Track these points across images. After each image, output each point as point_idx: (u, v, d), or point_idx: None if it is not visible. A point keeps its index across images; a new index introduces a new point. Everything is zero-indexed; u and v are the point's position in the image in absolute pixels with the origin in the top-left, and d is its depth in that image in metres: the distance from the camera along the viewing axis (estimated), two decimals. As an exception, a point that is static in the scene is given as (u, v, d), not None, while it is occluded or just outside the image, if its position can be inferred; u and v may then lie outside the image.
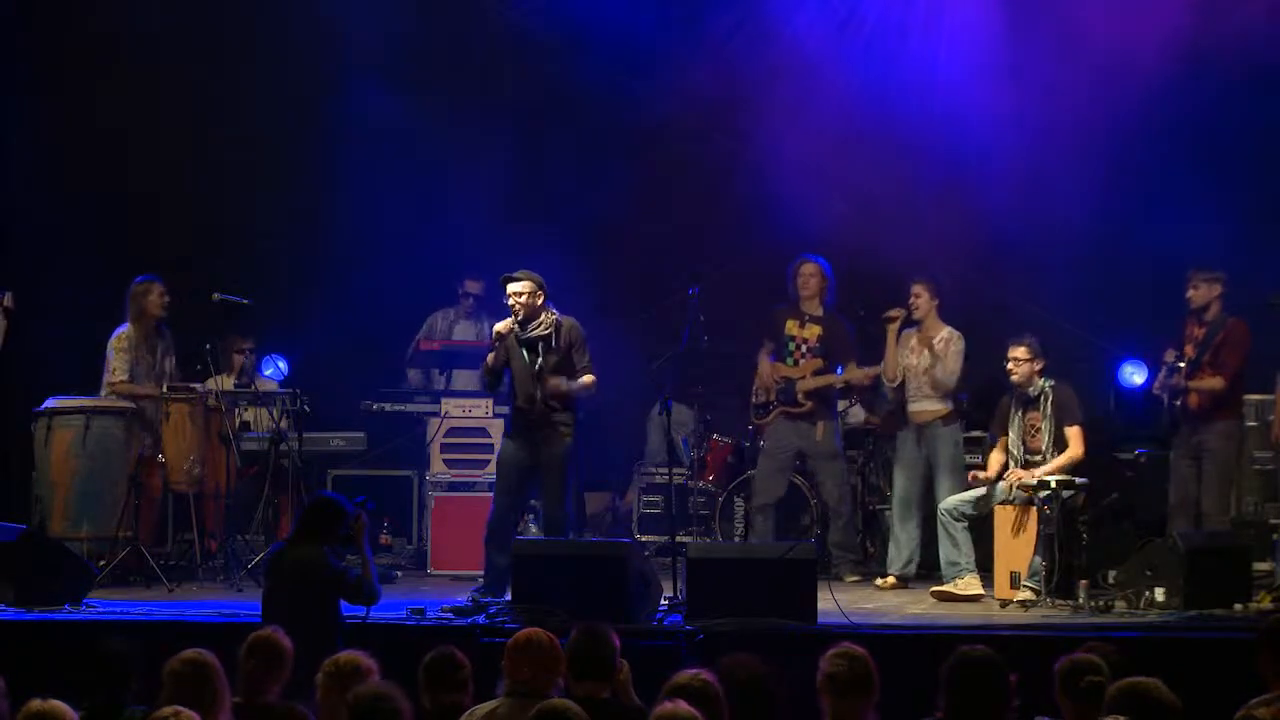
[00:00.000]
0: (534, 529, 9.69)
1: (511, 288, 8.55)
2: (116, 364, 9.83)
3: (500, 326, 8.55)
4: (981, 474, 9.22)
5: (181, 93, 11.28)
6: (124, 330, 9.91)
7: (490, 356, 8.63)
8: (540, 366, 8.59)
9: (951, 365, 9.61)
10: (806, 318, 10.11)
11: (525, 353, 8.60)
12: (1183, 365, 9.13)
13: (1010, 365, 9.14)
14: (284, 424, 10.07)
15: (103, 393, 9.86)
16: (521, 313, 8.53)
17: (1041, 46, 10.71)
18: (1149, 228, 10.45)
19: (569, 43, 11.38)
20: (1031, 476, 8.88)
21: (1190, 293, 9.24)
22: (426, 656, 5.28)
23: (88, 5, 11.50)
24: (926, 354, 9.68)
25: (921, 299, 9.68)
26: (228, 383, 10.30)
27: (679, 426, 11.13)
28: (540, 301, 8.59)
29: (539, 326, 8.58)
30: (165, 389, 9.77)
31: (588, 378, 8.62)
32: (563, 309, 8.77)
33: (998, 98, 10.74)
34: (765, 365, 10.17)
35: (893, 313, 9.70)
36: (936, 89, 11.22)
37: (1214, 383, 9.13)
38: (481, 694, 5.26)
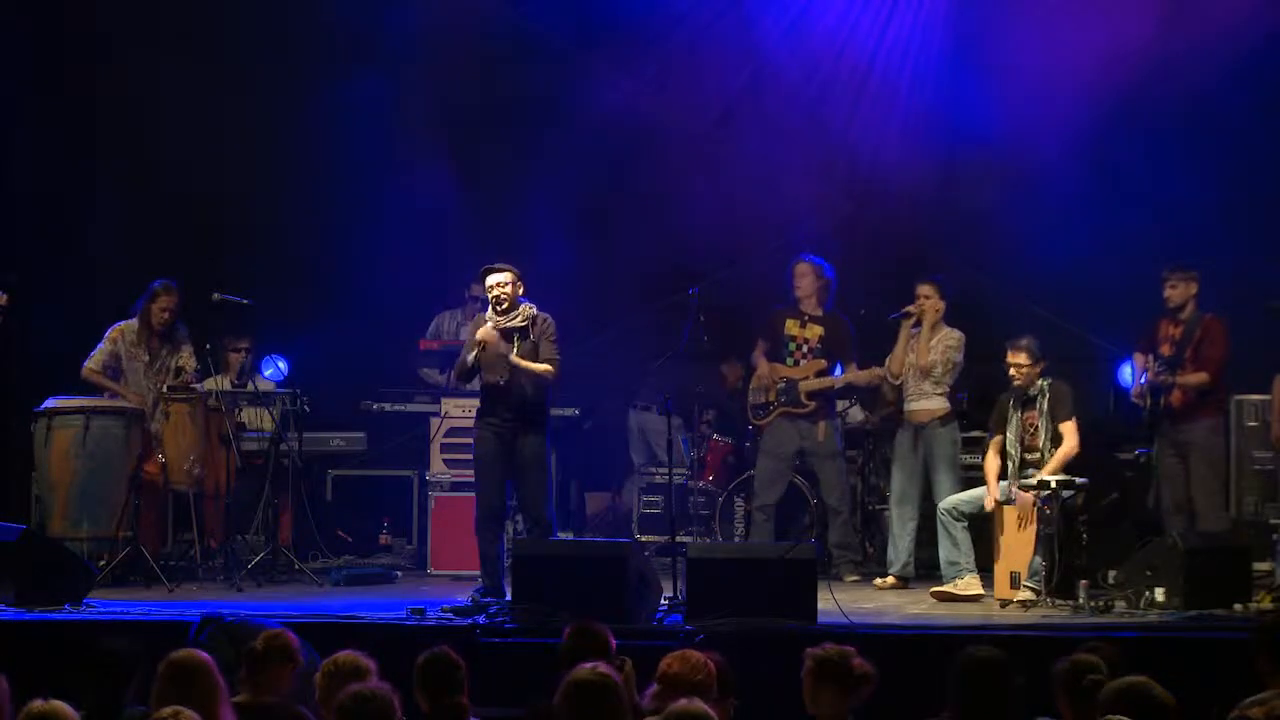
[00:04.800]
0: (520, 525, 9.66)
1: (493, 279, 8.68)
2: (94, 351, 9.90)
3: (482, 334, 8.59)
4: (989, 499, 9.15)
5: (182, 92, 11.27)
6: (123, 324, 9.95)
7: (470, 356, 8.66)
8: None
9: (935, 356, 9.57)
10: (807, 318, 10.10)
11: (500, 342, 8.64)
12: (1163, 366, 9.14)
13: (1013, 372, 9.12)
14: (277, 416, 10.05)
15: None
16: (505, 303, 8.63)
17: (1038, 43, 10.70)
18: (1149, 227, 10.46)
19: (568, 42, 11.41)
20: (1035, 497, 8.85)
21: (1169, 292, 9.25)
22: (420, 658, 5.26)
23: (88, 3, 11.51)
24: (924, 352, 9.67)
25: (931, 300, 9.65)
26: (225, 383, 10.31)
27: (657, 435, 11.15)
28: (520, 292, 8.70)
29: (516, 318, 8.68)
30: (166, 387, 9.77)
31: (545, 366, 8.67)
32: (562, 309, 8.83)
33: (996, 97, 10.75)
34: (764, 366, 10.15)
35: (910, 308, 9.66)
36: (934, 89, 11.23)
37: (1200, 377, 9.14)
38: (478, 694, 5.25)
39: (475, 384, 9.04)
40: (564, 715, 4.52)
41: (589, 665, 4.67)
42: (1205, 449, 9.25)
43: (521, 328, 8.68)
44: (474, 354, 8.64)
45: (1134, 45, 10.45)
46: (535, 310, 8.72)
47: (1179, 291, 9.23)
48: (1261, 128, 10.49)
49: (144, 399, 9.80)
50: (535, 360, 8.67)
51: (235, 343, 10.57)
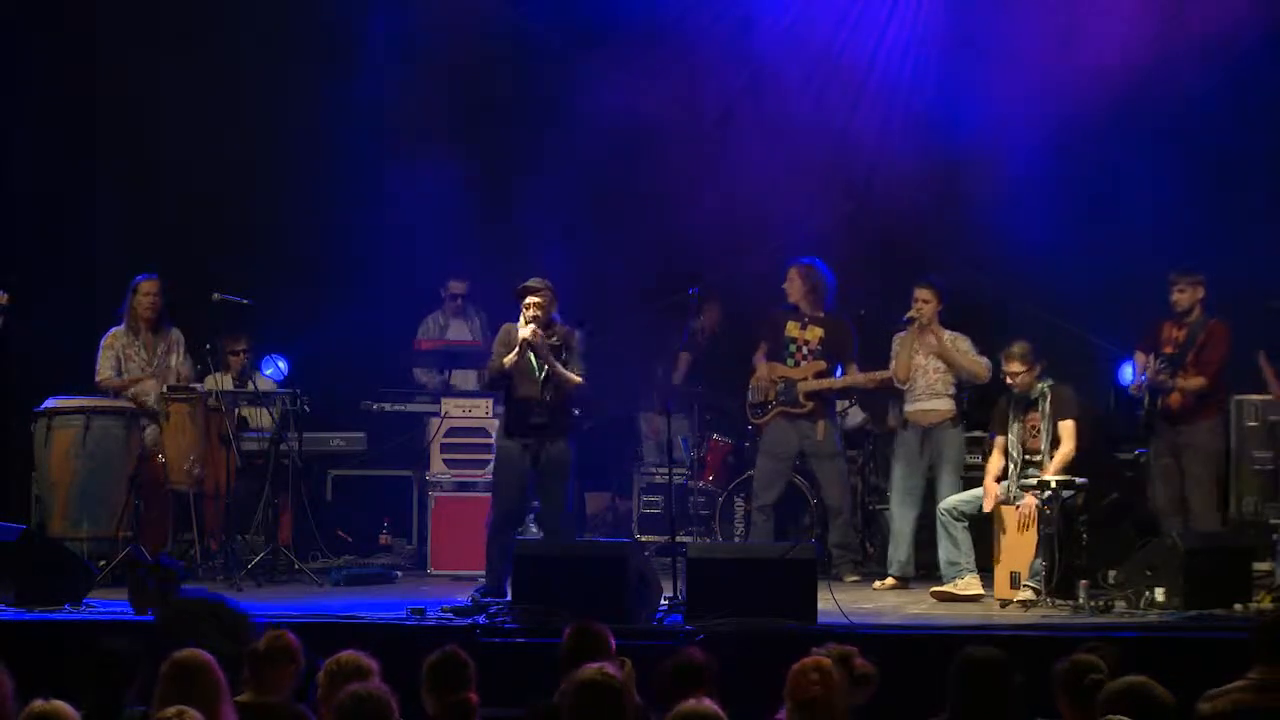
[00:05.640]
0: (534, 529, 9.68)
1: (531, 299, 8.66)
2: (99, 362, 9.93)
3: (526, 333, 8.59)
4: (992, 492, 9.15)
5: (182, 92, 11.29)
6: (115, 329, 9.97)
7: (509, 358, 8.65)
8: (546, 374, 8.67)
9: (974, 357, 9.60)
10: (808, 319, 10.10)
11: (533, 359, 8.65)
12: (1165, 365, 9.17)
13: (1010, 380, 9.12)
14: (277, 416, 10.05)
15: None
16: (541, 325, 8.64)
17: (1038, 44, 10.70)
18: (1149, 227, 10.46)
19: (568, 42, 11.40)
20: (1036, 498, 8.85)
21: (1176, 295, 9.28)
22: (430, 657, 5.25)
23: (88, 3, 11.52)
24: (933, 357, 9.65)
25: (930, 304, 9.66)
26: (225, 382, 10.29)
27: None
28: (553, 311, 8.70)
29: (551, 336, 8.69)
30: (166, 388, 9.78)
31: (576, 378, 8.71)
32: (563, 309, 8.85)
33: (996, 96, 10.75)
34: (763, 366, 10.16)
35: (912, 313, 9.67)
36: (934, 89, 11.23)
37: (1198, 381, 9.18)
38: (483, 693, 5.25)
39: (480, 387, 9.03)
40: (568, 715, 4.51)
41: (594, 665, 4.67)
42: (1202, 449, 9.28)
43: (555, 347, 8.69)
44: (513, 355, 8.63)
45: (1135, 45, 10.44)
46: (563, 326, 8.76)
47: (1187, 295, 9.25)
48: (1262, 127, 10.49)
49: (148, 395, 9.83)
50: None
51: (234, 344, 10.55)
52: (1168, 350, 9.26)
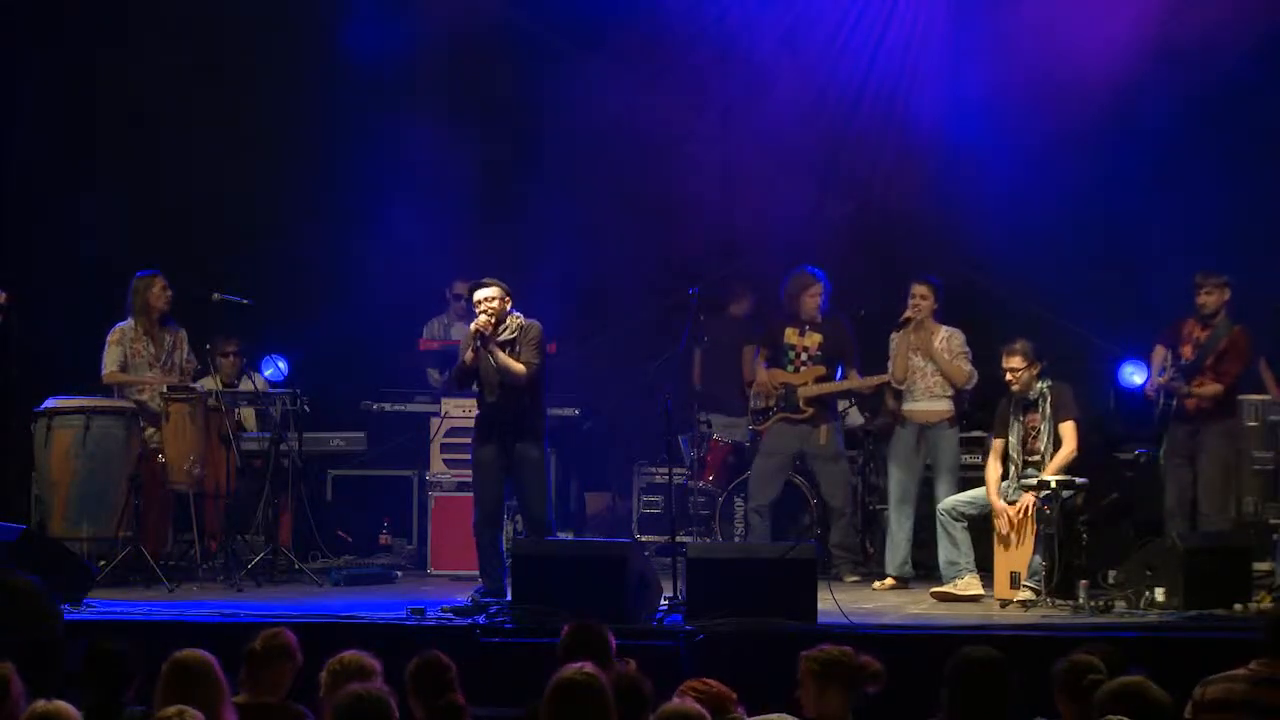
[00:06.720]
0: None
1: (480, 294, 8.66)
2: (107, 357, 9.91)
3: (478, 324, 8.59)
4: (998, 506, 9.12)
5: (182, 94, 11.29)
6: (122, 325, 9.95)
7: (468, 355, 8.66)
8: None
9: (960, 363, 9.60)
10: (806, 325, 10.10)
11: (491, 355, 8.64)
12: (1180, 372, 9.17)
13: (1009, 376, 9.12)
14: (277, 416, 10.04)
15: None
16: (493, 317, 8.61)
17: (1038, 44, 10.70)
18: (1149, 227, 10.46)
19: (568, 43, 11.41)
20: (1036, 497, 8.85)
21: (1203, 298, 9.27)
22: (411, 663, 5.22)
23: (88, 4, 11.52)
24: (929, 356, 9.64)
25: (927, 301, 9.66)
26: (218, 384, 10.29)
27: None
28: (508, 306, 8.68)
29: (506, 330, 8.66)
30: (166, 387, 9.77)
31: (519, 366, 8.60)
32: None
33: (996, 97, 10.75)
34: (762, 374, 10.16)
35: (909, 313, 9.67)
36: (933, 90, 11.24)
37: (1214, 389, 9.20)
38: (478, 694, 5.24)
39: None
40: (548, 714, 4.50)
41: (575, 665, 4.66)
42: (1218, 452, 9.31)
43: (511, 341, 8.67)
44: (470, 350, 8.63)
45: (1135, 45, 10.45)
46: (523, 320, 8.72)
47: (1214, 298, 9.26)
48: (1264, 127, 10.49)
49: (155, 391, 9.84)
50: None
51: (225, 346, 10.54)
52: (1186, 349, 9.26)
